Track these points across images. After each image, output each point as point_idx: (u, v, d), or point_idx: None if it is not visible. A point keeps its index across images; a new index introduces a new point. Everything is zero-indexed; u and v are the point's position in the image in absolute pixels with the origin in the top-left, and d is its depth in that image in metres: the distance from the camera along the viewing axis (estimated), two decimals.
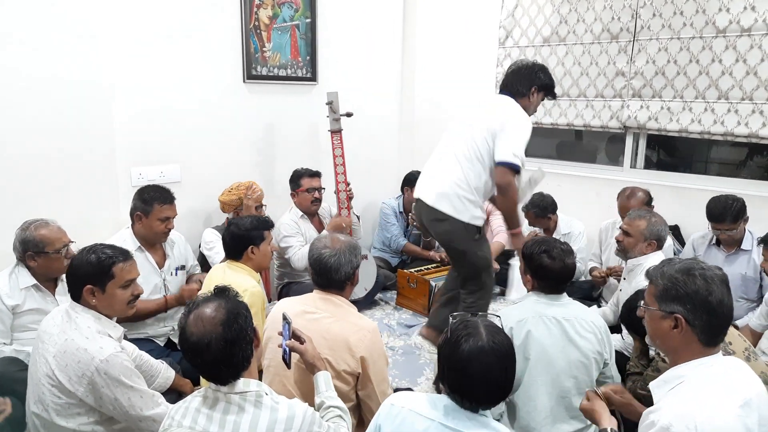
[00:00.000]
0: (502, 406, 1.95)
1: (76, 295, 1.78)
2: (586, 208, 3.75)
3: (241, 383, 1.42)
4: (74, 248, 2.28)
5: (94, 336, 1.71)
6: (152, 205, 2.58)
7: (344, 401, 1.83)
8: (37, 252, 2.21)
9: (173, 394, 2.20)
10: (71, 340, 1.69)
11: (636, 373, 2.09)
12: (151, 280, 2.63)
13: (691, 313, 1.35)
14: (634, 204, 3.05)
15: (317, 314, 1.89)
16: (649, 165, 3.72)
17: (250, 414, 1.39)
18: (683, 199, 3.38)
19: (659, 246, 2.55)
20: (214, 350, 1.36)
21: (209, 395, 1.43)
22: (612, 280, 3.15)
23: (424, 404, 1.44)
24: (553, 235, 3.52)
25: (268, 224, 2.44)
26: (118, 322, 1.90)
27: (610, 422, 1.61)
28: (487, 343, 1.36)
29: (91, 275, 1.76)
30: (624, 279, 2.64)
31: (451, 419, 1.38)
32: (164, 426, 1.45)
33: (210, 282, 2.34)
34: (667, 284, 1.39)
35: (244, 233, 2.33)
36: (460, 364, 1.35)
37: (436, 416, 1.39)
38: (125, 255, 1.86)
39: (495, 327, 1.44)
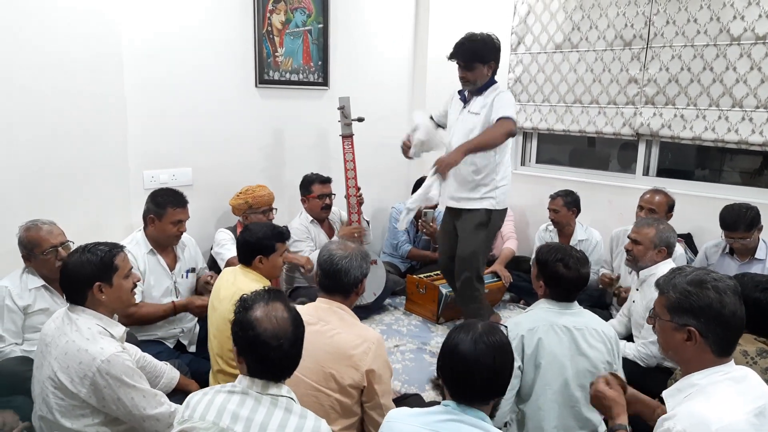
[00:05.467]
0: (507, 415, 1.94)
1: (79, 298, 1.78)
2: (598, 215, 3.73)
3: (275, 387, 1.43)
4: (72, 248, 2.28)
5: (95, 336, 1.72)
6: (165, 208, 2.60)
7: (348, 416, 1.82)
8: (28, 253, 2.25)
9: (180, 395, 2.20)
10: (72, 341, 1.70)
11: None
12: (163, 283, 2.65)
13: (705, 326, 1.35)
14: (655, 201, 3.05)
15: (318, 326, 1.85)
16: (661, 173, 3.69)
17: (278, 417, 1.38)
18: (696, 207, 3.34)
19: (669, 253, 2.52)
20: (285, 348, 1.41)
21: (237, 390, 1.42)
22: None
23: (418, 415, 1.45)
24: (569, 241, 3.51)
25: (283, 236, 2.39)
26: (129, 326, 1.91)
27: (626, 419, 1.55)
28: (479, 334, 1.42)
29: (97, 272, 1.78)
30: (637, 290, 2.62)
31: (445, 425, 1.38)
32: (183, 416, 1.42)
33: (219, 286, 2.34)
34: (680, 297, 1.39)
35: (254, 242, 2.30)
36: (451, 349, 1.43)
37: (430, 423, 1.40)
38: (118, 246, 1.89)
39: (493, 325, 1.49)
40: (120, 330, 1.83)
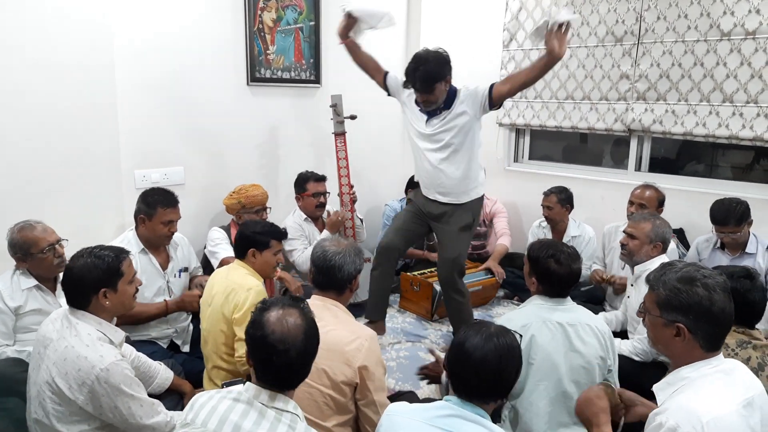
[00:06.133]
0: (503, 411, 1.95)
1: (83, 302, 1.77)
2: (591, 211, 3.74)
3: (282, 400, 1.40)
4: (66, 246, 2.31)
5: (95, 343, 1.71)
6: (156, 208, 2.59)
7: (342, 413, 1.82)
8: (24, 254, 2.24)
9: (174, 395, 2.21)
10: (71, 347, 1.69)
11: None
12: (155, 283, 2.65)
13: (693, 323, 1.37)
14: (645, 197, 3.07)
15: None
16: (654, 168, 3.71)
17: None
18: (688, 202, 3.36)
19: (664, 248, 2.54)
20: (291, 355, 1.37)
21: (242, 400, 1.39)
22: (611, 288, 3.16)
23: (418, 409, 1.46)
24: (563, 238, 3.52)
25: (278, 234, 2.40)
26: (121, 324, 1.90)
27: (607, 427, 1.60)
28: (491, 333, 1.45)
29: (103, 278, 1.77)
30: (632, 286, 2.63)
31: (444, 420, 1.39)
32: (186, 418, 1.41)
33: (213, 282, 2.34)
34: (669, 294, 1.40)
35: (249, 235, 2.34)
36: (461, 344, 1.45)
37: (430, 419, 1.41)
38: (124, 251, 1.89)
39: (506, 329, 1.51)
40: (120, 336, 1.83)
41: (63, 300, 2.30)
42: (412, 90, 2.80)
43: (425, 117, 2.82)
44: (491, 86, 2.70)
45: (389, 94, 3.04)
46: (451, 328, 3.30)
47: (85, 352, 1.68)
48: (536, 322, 1.92)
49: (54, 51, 2.68)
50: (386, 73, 3.02)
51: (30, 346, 2.17)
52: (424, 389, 2.70)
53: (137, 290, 1.92)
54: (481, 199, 2.98)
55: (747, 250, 2.87)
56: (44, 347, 1.75)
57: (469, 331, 1.47)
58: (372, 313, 3.07)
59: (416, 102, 2.84)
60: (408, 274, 3.66)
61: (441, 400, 1.48)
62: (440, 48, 2.74)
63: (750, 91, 3.08)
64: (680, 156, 3.79)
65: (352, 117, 3.45)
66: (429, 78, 2.64)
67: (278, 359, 1.37)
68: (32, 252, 2.23)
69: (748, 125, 3.10)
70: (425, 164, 2.89)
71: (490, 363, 1.40)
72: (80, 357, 1.67)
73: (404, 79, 2.72)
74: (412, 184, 4.00)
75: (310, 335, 1.43)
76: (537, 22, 2.68)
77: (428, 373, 2.27)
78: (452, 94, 2.76)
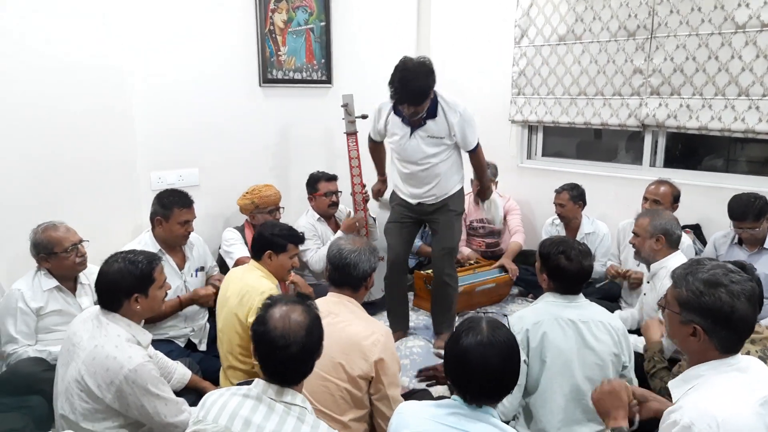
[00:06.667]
0: (517, 408, 1.94)
1: (115, 306, 1.82)
2: (605, 208, 3.71)
3: (290, 394, 1.43)
4: (86, 247, 2.37)
5: (123, 344, 1.75)
6: (171, 209, 2.63)
7: (359, 407, 1.85)
8: (48, 253, 2.29)
9: (192, 394, 2.23)
10: (101, 347, 1.74)
11: (664, 368, 2.05)
12: (173, 283, 2.66)
13: (711, 327, 1.35)
14: (660, 192, 3.06)
15: (329, 318, 1.88)
16: (669, 163, 3.67)
17: (290, 426, 1.38)
18: (705, 197, 3.32)
19: (670, 241, 2.50)
20: (292, 351, 1.40)
21: (252, 395, 1.42)
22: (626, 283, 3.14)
23: (428, 407, 1.46)
24: (576, 235, 3.50)
25: (295, 238, 2.42)
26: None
27: (624, 422, 1.57)
28: (486, 336, 1.40)
29: (136, 284, 1.82)
30: (648, 283, 2.61)
31: (452, 419, 1.40)
32: (198, 416, 1.44)
33: (228, 283, 2.37)
34: (690, 295, 1.37)
35: (267, 236, 2.36)
36: (460, 356, 1.40)
37: (438, 417, 1.41)
38: (157, 257, 1.94)
39: (496, 322, 1.47)
40: (147, 338, 1.88)
41: (82, 300, 2.36)
42: (389, 107, 2.87)
43: (408, 129, 2.85)
44: (475, 148, 2.92)
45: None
46: None
47: (114, 353, 1.72)
48: (548, 319, 1.92)
49: (69, 57, 2.73)
50: (380, 142, 3.18)
51: (51, 346, 2.23)
52: (438, 388, 2.70)
53: (166, 294, 1.98)
54: (463, 187, 3.11)
55: (765, 246, 2.83)
56: (74, 345, 1.80)
57: (466, 337, 1.42)
58: (398, 326, 3.19)
59: (396, 112, 2.87)
60: (421, 272, 3.66)
61: (450, 398, 1.49)
62: (422, 57, 2.74)
63: (766, 84, 3.03)
64: (696, 151, 3.75)
65: (364, 116, 3.46)
66: (421, 94, 2.66)
67: (279, 355, 1.40)
68: (56, 251, 2.29)
69: (765, 119, 3.06)
70: (413, 174, 2.95)
71: (494, 366, 1.39)
72: (109, 357, 1.72)
73: (391, 91, 2.68)
74: None
75: (312, 332, 1.45)
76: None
77: (434, 375, 2.21)
78: (434, 101, 2.78)
